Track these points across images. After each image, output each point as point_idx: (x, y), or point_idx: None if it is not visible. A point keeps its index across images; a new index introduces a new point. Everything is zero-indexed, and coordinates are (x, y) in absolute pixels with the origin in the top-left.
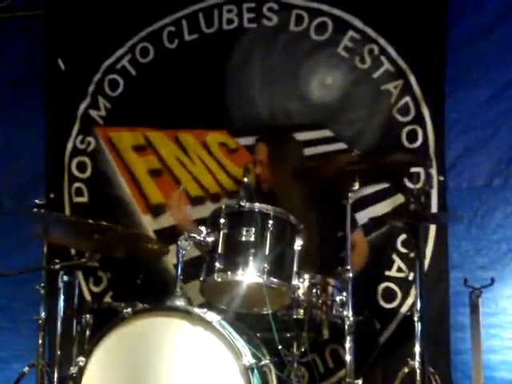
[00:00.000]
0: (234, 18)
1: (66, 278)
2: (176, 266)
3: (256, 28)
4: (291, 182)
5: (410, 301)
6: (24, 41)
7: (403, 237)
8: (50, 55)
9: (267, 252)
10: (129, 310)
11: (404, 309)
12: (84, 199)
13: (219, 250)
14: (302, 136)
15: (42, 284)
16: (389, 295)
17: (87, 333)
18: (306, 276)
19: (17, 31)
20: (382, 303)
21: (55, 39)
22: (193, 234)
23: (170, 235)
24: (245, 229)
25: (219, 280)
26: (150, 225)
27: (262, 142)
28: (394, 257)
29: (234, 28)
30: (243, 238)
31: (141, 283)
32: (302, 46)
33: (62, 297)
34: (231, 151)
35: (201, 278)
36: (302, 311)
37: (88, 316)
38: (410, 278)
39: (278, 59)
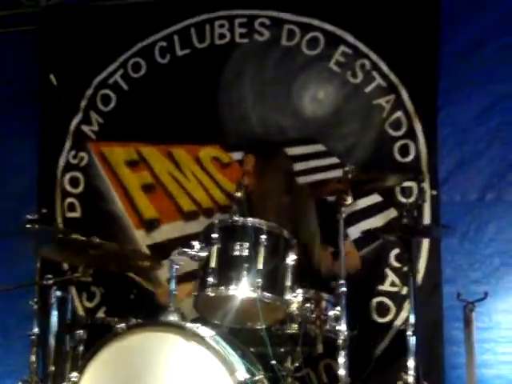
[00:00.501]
0: (226, 33)
1: (58, 293)
2: (169, 281)
3: (248, 43)
4: (279, 195)
5: (403, 315)
6: (16, 56)
7: (396, 251)
8: (43, 70)
9: (260, 267)
10: (122, 325)
11: (398, 323)
12: (77, 214)
13: (212, 265)
14: (294, 151)
15: (35, 299)
16: (382, 309)
17: (80, 348)
18: (300, 290)
19: (9, 46)
20: (376, 317)
21: (47, 54)
22: (186, 249)
23: (162, 250)
24: (238, 243)
25: (212, 295)
26: (143, 240)
27: (250, 154)
28: (387, 271)
29: (225, 43)
30: (236, 253)
31: (134, 298)
32: (294, 61)
33: (54, 312)
34: (224, 166)
35: (194, 293)
36: (295, 326)
37: (81, 331)
38: (404, 292)
39: (270, 74)
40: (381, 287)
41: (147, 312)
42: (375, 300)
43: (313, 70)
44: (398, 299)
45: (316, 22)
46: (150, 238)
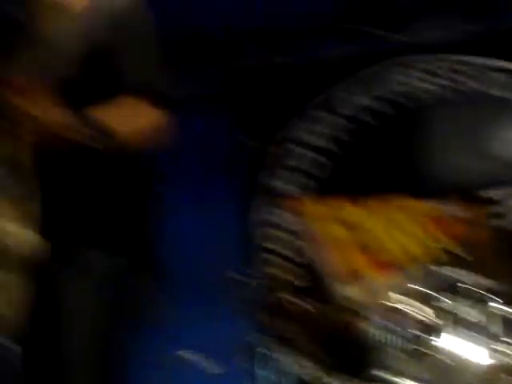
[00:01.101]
0: (425, 86)
1: (264, 350)
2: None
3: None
4: (493, 247)
5: None
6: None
7: None
8: (233, 129)
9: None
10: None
11: None
12: (279, 273)
13: (439, 327)
14: (492, 195)
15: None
16: None
17: None
18: None
19: (199, 108)
20: None
21: (238, 115)
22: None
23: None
24: (466, 303)
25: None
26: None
27: (454, 205)
28: None
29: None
30: (466, 316)
31: (344, 353)
32: (487, 104)
33: (264, 373)
34: (436, 220)
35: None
36: None
37: None
38: None
39: (465, 120)
40: None
41: (358, 367)
42: None
43: (505, 112)
44: None
45: (503, 64)
46: (364, 294)
